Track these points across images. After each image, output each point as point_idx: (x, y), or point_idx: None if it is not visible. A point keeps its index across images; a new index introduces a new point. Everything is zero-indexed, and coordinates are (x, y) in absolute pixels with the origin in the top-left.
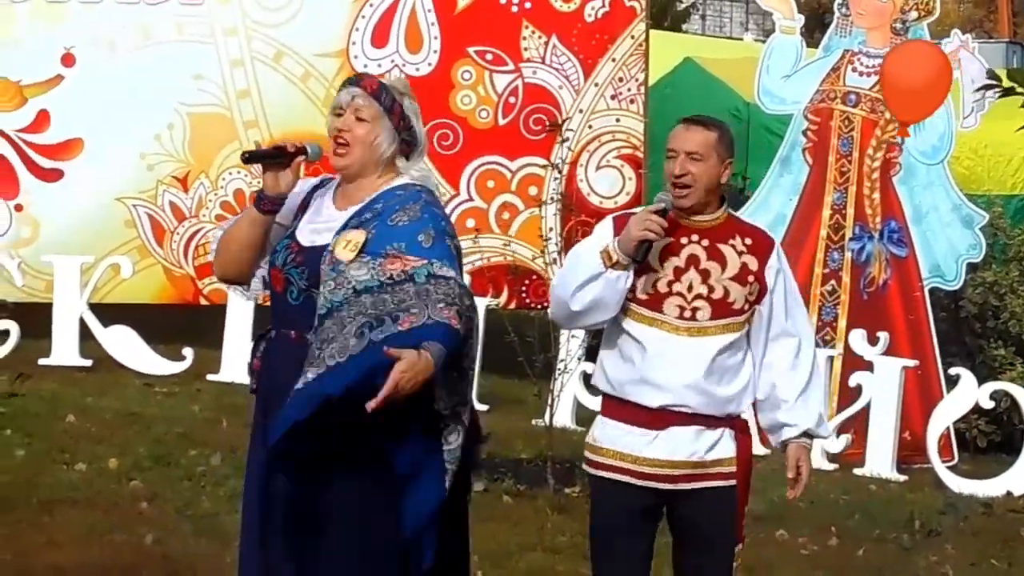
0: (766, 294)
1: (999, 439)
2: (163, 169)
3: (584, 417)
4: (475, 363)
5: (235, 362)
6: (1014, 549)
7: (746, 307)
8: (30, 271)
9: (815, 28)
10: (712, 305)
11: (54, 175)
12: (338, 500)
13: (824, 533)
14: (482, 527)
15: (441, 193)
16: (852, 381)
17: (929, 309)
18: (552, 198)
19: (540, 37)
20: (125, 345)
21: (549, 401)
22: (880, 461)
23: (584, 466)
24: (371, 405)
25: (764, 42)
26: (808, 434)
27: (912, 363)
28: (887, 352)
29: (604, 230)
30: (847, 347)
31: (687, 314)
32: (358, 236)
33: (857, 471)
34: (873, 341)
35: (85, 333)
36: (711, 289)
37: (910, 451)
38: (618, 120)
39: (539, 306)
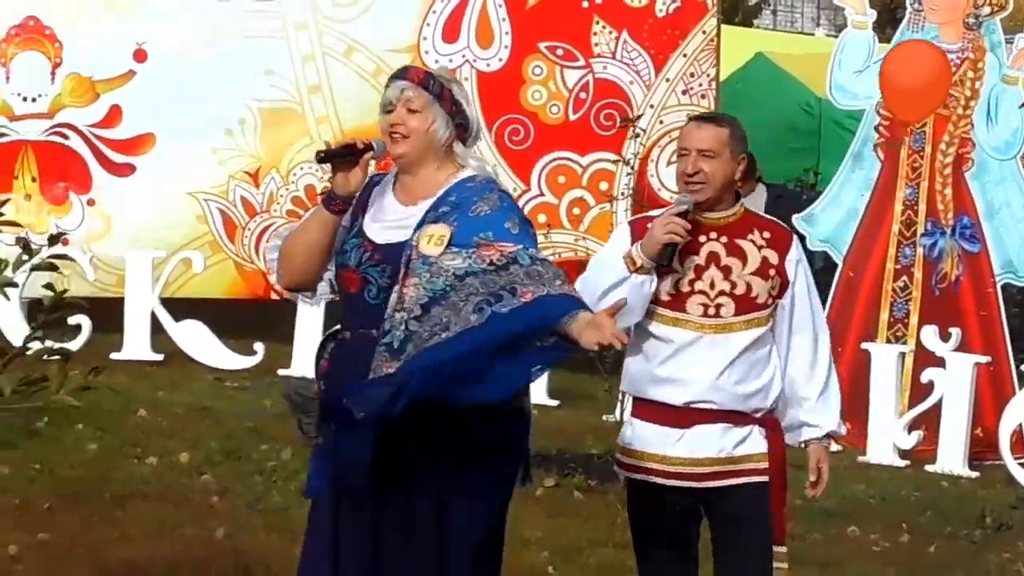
0: (788, 287)
1: None
2: (234, 164)
3: None
4: None
5: (306, 357)
6: None
7: (769, 301)
8: (102, 266)
9: (887, 23)
10: (735, 301)
11: (126, 170)
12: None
13: (895, 529)
14: (553, 523)
15: (512, 188)
16: (924, 377)
17: (1002, 305)
18: (623, 193)
19: (611, 32)
20: (196, 340)
21: (620, 397)
22: (952, 457)
23: (615, 468)
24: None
25: (836, 37)
26: (829, 435)
27: (984, 359)
28: (959, 348)
29: (622, 235)
30: (919, 343)
31: (711, 311)
32: (442, 230)
33: (929, 467)
34: (945, 337)
35: (156, 328)
36: (733, 285)
37: (982, 447)
38: (689, 116)
39: None
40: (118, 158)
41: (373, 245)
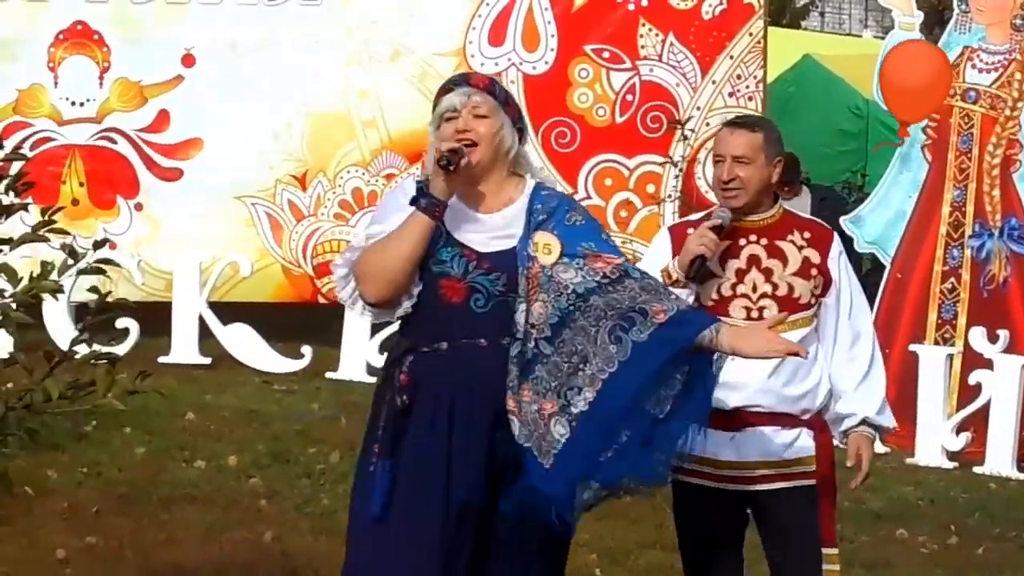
0: (831, 285)
1: None
2: (282, 168)
3: None
4: None
5: (354, 360)
6: None
7: (812, 301)
8: (149, 270)
9: (934, 25)
10: (779, 302)
11: (174, 174)
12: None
13: (943, 531)
14: (600, 525)
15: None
16: (972, 379)
17: None
18: (670, 196)
19: (657, 35)
20: (244, 343)
21: None
22: (1000, 459)
23: None
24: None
25: (883, 39)
26: (868, 422)
27: None
28: (1007, 350)
29: (662, 242)
30: (967, 345)
31: (755, 314)
32: (549, 238)
33: (977, 469)
34: (993, 339)
35: (204, 331)
36: (775, 287)
37: None
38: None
39: None
40: (166, 162)
41: (477, 254)
